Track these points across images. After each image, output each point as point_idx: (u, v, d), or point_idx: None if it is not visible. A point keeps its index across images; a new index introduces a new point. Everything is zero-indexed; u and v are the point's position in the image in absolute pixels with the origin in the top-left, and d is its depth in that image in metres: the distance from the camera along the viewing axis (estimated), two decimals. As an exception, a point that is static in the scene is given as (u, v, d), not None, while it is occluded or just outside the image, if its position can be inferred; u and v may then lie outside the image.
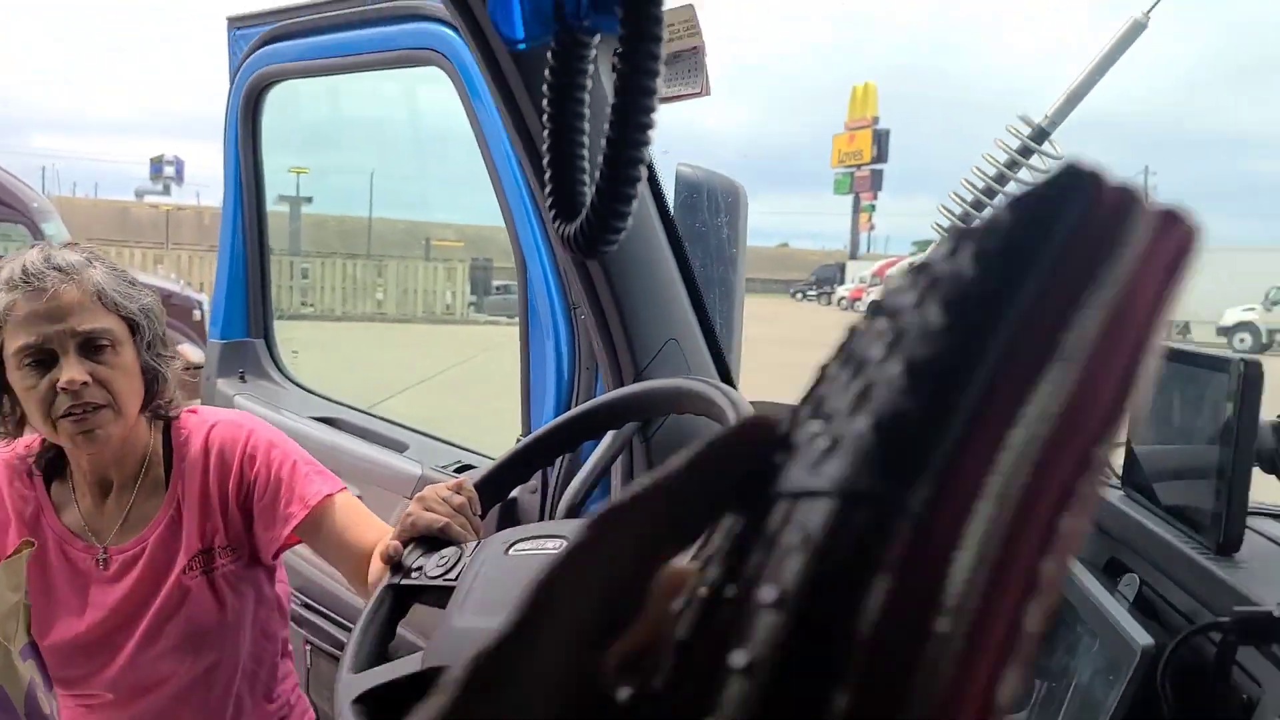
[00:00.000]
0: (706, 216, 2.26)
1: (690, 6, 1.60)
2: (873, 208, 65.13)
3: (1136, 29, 1.63)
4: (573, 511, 1.60)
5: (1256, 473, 0.97)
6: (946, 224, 1.90)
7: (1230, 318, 29.08)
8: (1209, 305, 30.09)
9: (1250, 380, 0.88)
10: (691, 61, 1.62)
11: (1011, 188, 1.87)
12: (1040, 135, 1.76)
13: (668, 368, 1.65)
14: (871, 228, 69.93)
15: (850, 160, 52.01)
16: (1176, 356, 1.01)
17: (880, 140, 49.13)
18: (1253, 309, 28.69)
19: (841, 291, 54.58)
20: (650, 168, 1.59)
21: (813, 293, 61.67)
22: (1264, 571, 0.89)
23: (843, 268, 60.79)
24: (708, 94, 1.66)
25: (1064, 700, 0.93)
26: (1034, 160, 1.83)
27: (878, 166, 52.65)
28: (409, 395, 8.07)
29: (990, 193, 1.86)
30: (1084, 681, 0.91)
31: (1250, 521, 0.96)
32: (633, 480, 0.63)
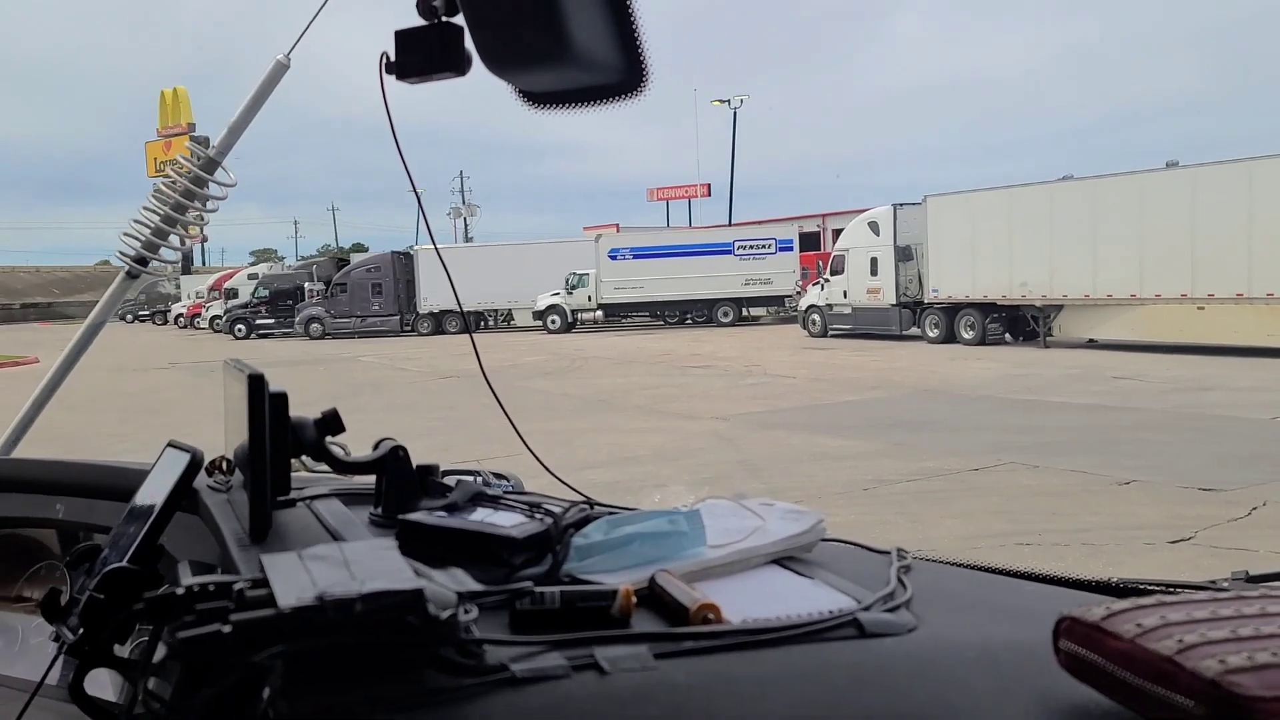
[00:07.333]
0: None
1: None
2: (202, 219, 61.26)
3: (280, 70, 1.81)
4: None
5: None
6: (130, 252, 1.91)
7: (543, 302, 33.36)
8: (527, 293, 34.19)
9: (254, 389, 0.98)
10: None
11: (191, 214, 1.95)
12: (210, 165, 1.86)
13: None
14: (204, 240, 65.95)
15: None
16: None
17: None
18: (558, 294, 33.25)
19: (178, 309, 50.70)
20: None
21: (145, 313, 56.55)
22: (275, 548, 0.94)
23: (177, 284, 56.57)
24: None
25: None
26: (210, 189, 1.92)
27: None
28: None
29: (170, 220, 1.92)
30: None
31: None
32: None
